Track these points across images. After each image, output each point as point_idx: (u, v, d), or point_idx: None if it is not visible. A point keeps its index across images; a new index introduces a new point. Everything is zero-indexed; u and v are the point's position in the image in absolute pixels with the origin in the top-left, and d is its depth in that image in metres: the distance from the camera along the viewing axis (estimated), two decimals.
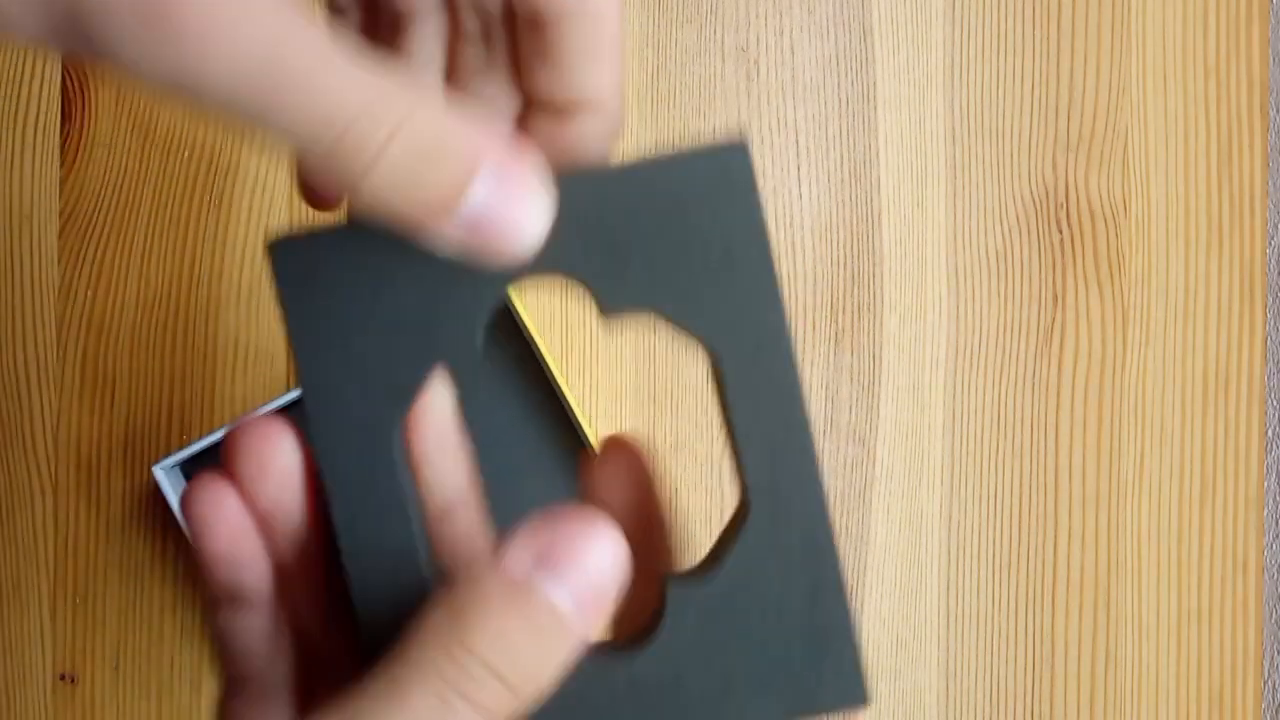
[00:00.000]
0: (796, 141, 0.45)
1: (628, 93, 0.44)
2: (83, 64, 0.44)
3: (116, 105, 0.44)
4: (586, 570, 0.19)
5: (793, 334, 0.22)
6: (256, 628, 0.22)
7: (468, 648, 0.19)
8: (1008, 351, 0.46)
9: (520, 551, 0.19)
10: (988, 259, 0.46)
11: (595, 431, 0.43)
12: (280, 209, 0.44)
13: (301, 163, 0.20)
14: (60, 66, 0.44)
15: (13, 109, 0.44)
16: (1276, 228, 0.47)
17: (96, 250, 0.44)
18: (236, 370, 0.44)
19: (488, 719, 0.19)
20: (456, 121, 0.19)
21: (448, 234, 0.19)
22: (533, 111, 0.22)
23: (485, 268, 0.20)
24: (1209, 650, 0.46)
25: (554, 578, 0.19)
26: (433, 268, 0.21)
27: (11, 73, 0.44)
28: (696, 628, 0.21)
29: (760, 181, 0.45)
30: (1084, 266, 0.46)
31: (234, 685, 0.22)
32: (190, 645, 0.44)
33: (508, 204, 0.19)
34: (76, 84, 0.44)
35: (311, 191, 0.24)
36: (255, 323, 0.44)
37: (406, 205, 0.18)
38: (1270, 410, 0.47)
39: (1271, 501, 0.48)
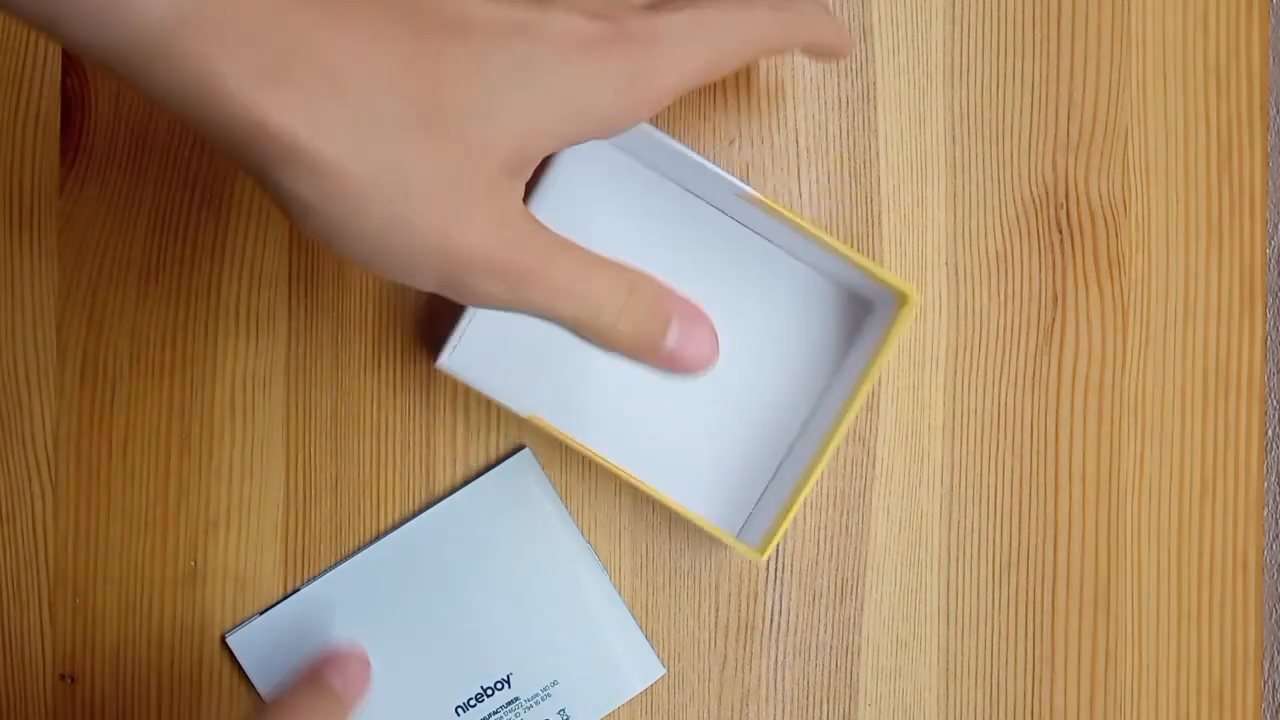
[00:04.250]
0: (796, 141, 0.45)
1: None
2: (85, 64, 0.44)
3: (117, 105, 0.44)
4: (350, 674, 0.41)
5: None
6: None
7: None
8: (1008, 351, 0.46)
9: (317, 666, 0.41)
10: (988, 259, 0.46)
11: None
12: None
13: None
14: (60, 66, 0.44)
15: (13, 109, 0.44)
16: (1276, 228, 0.47)
17: (96, 250, 0.44)
18: (236, 370, 0.44)
19: None
20: (657, 293, 0.30)
21: (656, 365, 0.31)
22: None
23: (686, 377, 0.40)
24: (1209, 650, 0.46)
25: (335, 673, 0.41)
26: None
27: (11, 73, 0.44)
28: None
29: (761, 181, 0.45)
30: (1084, 266, 0.46)
31: None
32: (190, 645, 0.44)
33: (688, 345, 0.30)
34: (77, 84, 0.44)
35: None
36: (255, 324, 0.44)
37: (632, 352, 0.30)
38: (1270, 410, 0.47)
39: (1271, 501, 0.48)
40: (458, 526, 0.43)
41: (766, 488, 0.43)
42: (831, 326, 0.44)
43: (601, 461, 0.39)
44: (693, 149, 0.39)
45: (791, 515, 0.38)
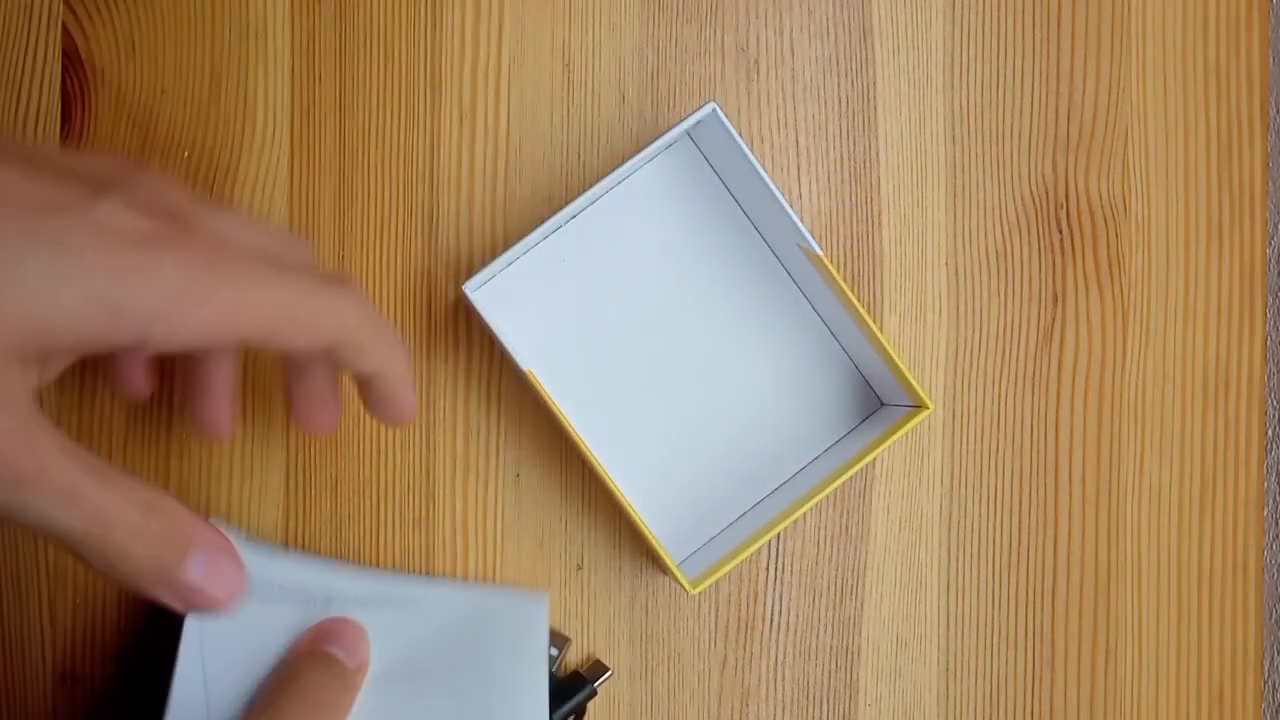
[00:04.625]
0: (796, 141, 0.45)
1: (628, 92, 0.44)
2: (85, 64, 0.44)
3: (116, 105, 0.44)
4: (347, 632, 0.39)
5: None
6: None
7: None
8: (1008, 351, 0.46)
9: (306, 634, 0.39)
10: (988, 259, 0.46)
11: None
12: (280, 208, 0.44)
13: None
14: (60, 66, 0.44)
15: (13, 109, 0.44)
16: (1276, 228, 0.47)
17: None
18: (236, 370, 0.44)
19: None
20: (177, 517, 0.27)
21: (173, 602, 0.27)
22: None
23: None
24: (1209, 650, 0.46)
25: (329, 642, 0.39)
26: None
27: (11, 73, 0.44)
28: None
29: None
30: (1084, 266, 0.46)
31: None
32: None
33: (211, 579, 0.27)
34: (76, 84, 0.44)
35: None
36: None
37: (146, 581, 0.27)
38: (1270, 410, 0.47)
39: (1271, 501, 0.48)
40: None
41: (722, 531, 0.43)
42: (838, 406, 0.44)
43: (576, 439, 0.39)
44: (780, 191, 0.39)
45: (731, 565, 0.38)
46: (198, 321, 0.25)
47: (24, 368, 0.24)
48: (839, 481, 0.39)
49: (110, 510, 0.25)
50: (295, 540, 0.44)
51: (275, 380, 0.44)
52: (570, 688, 0.43)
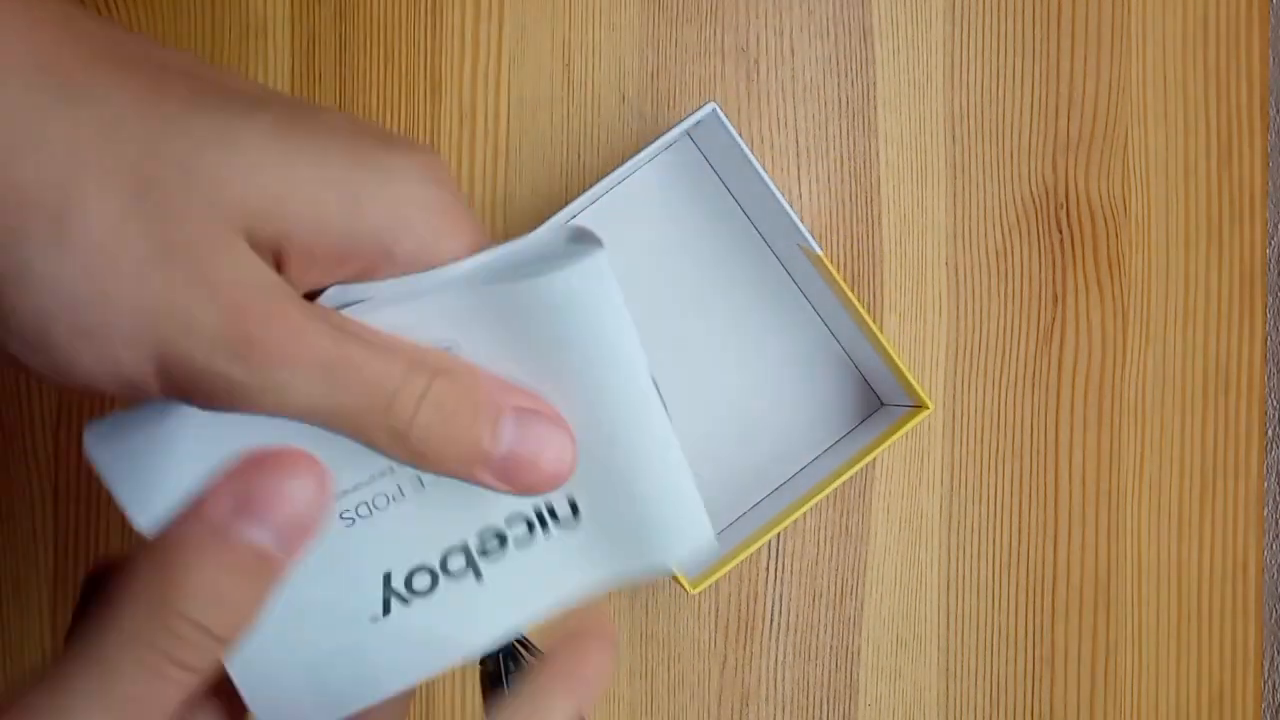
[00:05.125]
0: (796, 141, 0.45)
1: (628, 92, 0.44)
2: None
3: None
4: (286, 506, 0.21)
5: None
6: None
7: (178, 611, 0.20)
8: (1008, 351, 0.46)
9: (220, 498, 0.21)
10: (988, 259, 0.46)
11: None
12: None
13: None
14: None
15: None
16: (1276, 228, 0.47)
17: None
18: None
19: (199, 675, 0.20)
20: (476, 378, 0.22)
21: (482, 480, 0.22)
22: None
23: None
24: (1209, 650, 0.46)
25: (255, 520, 0.21)
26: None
27: None
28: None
29: None
30: (1084, 266, 0.46)
31: None
32: None
33: (526, 444, 0.22)
34: None
35: None
36: None
37: (439, 458, 0.21)
38: (1270, 410, 0.47)
39: (1271, 501, 0.48)
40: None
41: (722, 531, 0.43)
42: (838, 406, 0.44)
43: None
44: (780, 191, 0.39)
45: (731, 564, 0.38)
46: (446, 250, 0.22)
47: (256, 249, 0.21)
48: (839, 481, 0.39)
49: (390, 376, 0.21)
50: None
51: None
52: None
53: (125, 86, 0.20)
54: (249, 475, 0.21)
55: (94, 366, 0.20)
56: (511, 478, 0.22)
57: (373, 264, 0.22)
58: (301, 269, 0.21)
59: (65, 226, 0.19)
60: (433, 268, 0.22)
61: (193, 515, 0.21)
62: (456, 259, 0.22)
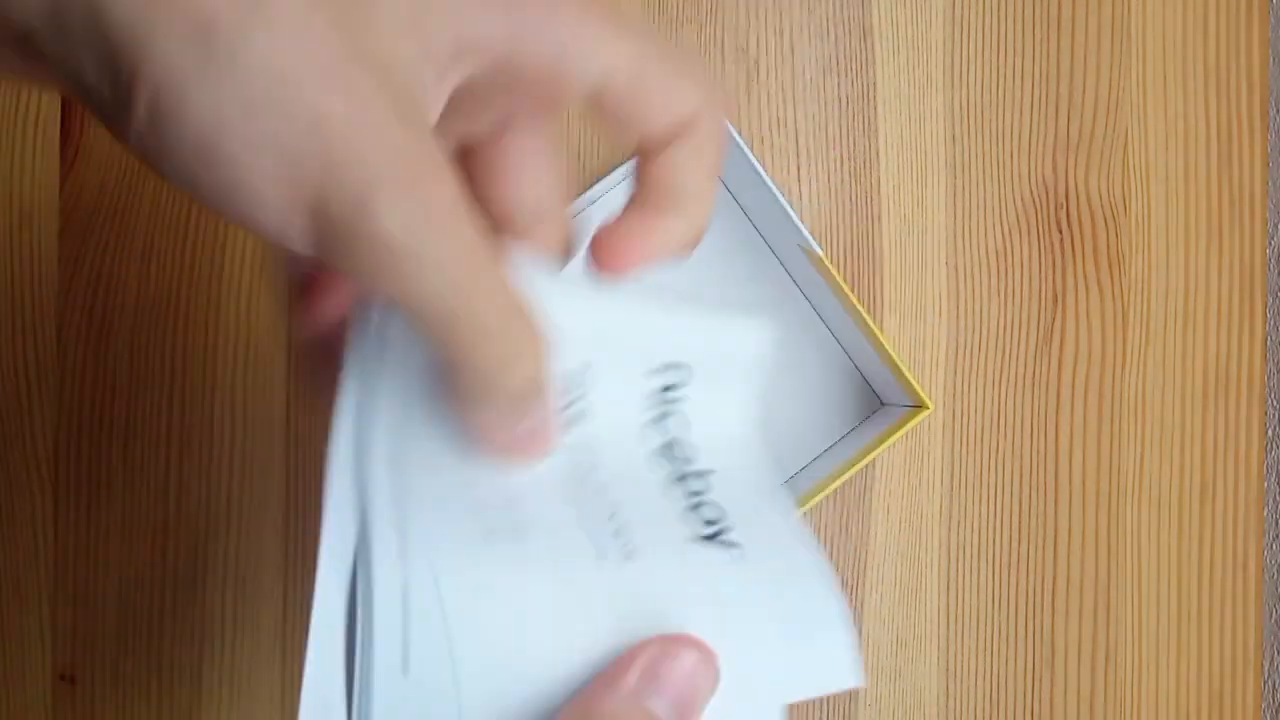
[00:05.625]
0: (796, 141, 0.45)
1: None
2: None
3: None
4: (679, 681, 0.22)
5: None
6: None
7: None
8: (1008, 351, 0.46)
9: (633, 671, 0.21)
10: (988, 259, 0.46)
11: None
12: None
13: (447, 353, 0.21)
14: None
15: (13, 109, 0.44)
16: (1276, 228, 0.47)
17: (96, 250, 0.44)
18: (236, 370, 0.44)
19: None
20: (539, 334, 0.21)
21: (493, 417, 0.22)
22: (635, 204, 0.26)
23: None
24: (1209, 650, 0.46)
25: (656, 692, 0.21)
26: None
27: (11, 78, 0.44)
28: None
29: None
30: (1084, 266, 0.46)
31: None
32: (190, 646, 0.44)
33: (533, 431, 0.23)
34: None
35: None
36: (255, 323, 0.44)
37: (477, 387, 0.21)
38: (1270, 410, 0.47)
39: (1271, 501, 0.48)
40: None
41: None
42: (839, 406, 0.44)
43: None
44: (780, 191, 0.39)
45: None
46: (606, 57, 0.21)
47: (440, 80, 0.20)
48: (839, 481, 0.39)
49: (491, 295, 0.20)
50: (295, 540, 0.44)
51: (276, 379, 0.44)
52: None
53: None
54: (650, 649, 0.22)
55: (261, 188, 0.18)
56: (516, 447, 0.23)
57: (551, 93, 0.21)
58: (478, 107, 0.21)
59: (262, 7, 0.17)
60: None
61: (612, 686, 0.22)
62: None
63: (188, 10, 0.17)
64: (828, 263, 0.39)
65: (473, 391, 0.21)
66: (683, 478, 0.25)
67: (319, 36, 0.18)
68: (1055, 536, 0.46)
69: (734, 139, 0.38)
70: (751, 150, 0.43)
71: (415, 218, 0.18)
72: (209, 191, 0.18)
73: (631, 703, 0.21)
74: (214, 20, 0.17)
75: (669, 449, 0.25)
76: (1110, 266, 0.46)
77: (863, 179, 0.45)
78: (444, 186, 0.19)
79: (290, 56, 0.18)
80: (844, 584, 0.45)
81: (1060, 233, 0.46)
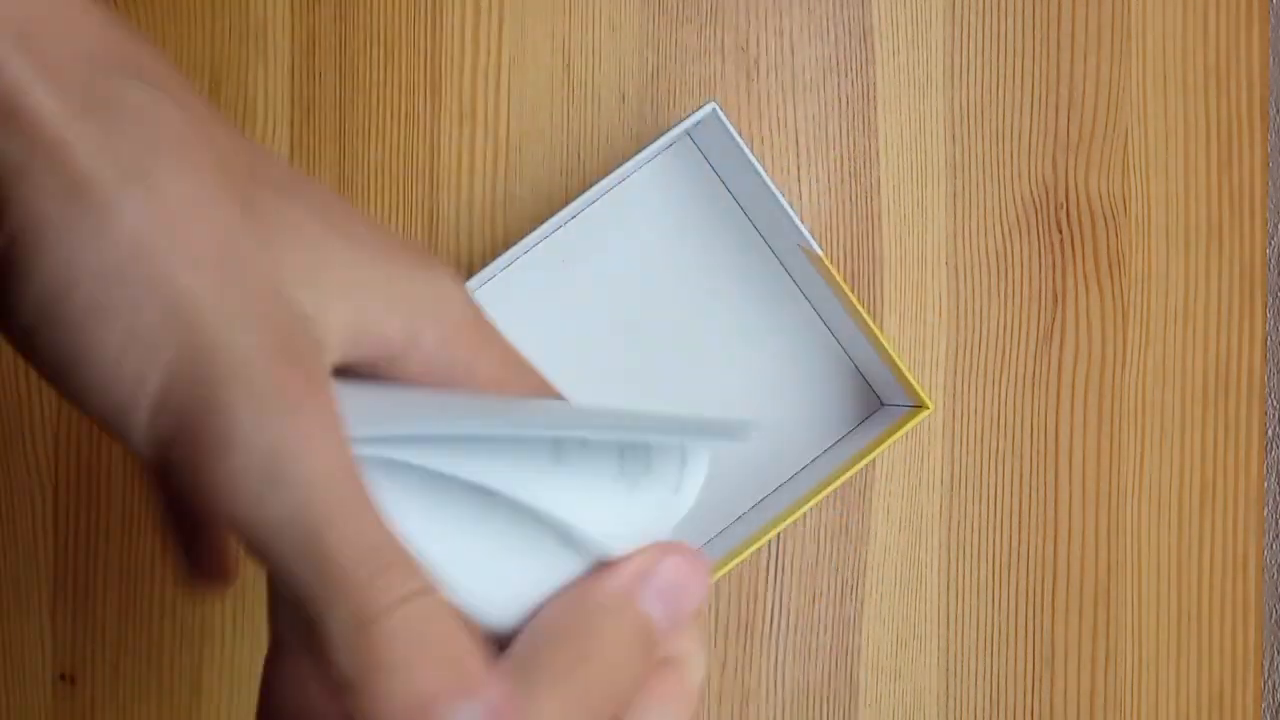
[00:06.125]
0: (796, 141, 0.45)
1: (628, 92, 0.44)
2: None
3: None
4: (671, 583, 0.22)
5: None
6: None
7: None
8: (1008, 351, 0.46)
9: (627, 568, 0.21)
10: (988, 259, 0.46)
11: None
12: None
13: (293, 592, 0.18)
14: None
15: None
16: (1276, 228, 0.47)
17: None
18: None
19: None
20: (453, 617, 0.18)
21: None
22: None
23: None
24: (1209, 650, 0.46)
25: (648, 593, 0.21)
26: None
27: None
28: None
29: None
30: (1084, 266, 0.46)
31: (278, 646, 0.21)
32: (190, 646, 0.44)
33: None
34: None
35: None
36: None
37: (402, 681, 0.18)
38: (1270, 410, 0.47)
39: (1271, 501, 0.48)
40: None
41: (722, 531, 0.43)
42: (838, 406, 0.44)
43: None
44: (780, 191, 0.39)
45: (731, 565, 0.39)
46: (463, 342, 0.21)
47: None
48: (839, 481, 0.39)
49: (362, 533, 0.17)
50: None
51: None
52: None
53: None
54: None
55: (103, 365, 0.16)
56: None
57: (400, 352, 0.20)
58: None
59: (146, 178, 0.16)
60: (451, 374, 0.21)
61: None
62: (473, 372, 0.21)
63: (68, 163, 0.16)
64: (828, 263, 0.39)
65: (338, 656, 0.17)
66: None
67: (205, 224, 0.17)
68: (1055, 536, 0.46)
69: (734, 139, 0.38)
70: (751, 150, 0.43)
71: (282, 429, 0.16)
72: (46, 355, 0.17)
73: (624, 600, 0.21)
74: (90, 179, 0.16)
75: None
76: (1110, 266, 0.46)
77: (862, 179, 0.45)
78: (322, 399, 0.17)
79: (163, 233, 0.16)
80: (844, 584, 0.45)
81: (1060, 233, 0.46)
